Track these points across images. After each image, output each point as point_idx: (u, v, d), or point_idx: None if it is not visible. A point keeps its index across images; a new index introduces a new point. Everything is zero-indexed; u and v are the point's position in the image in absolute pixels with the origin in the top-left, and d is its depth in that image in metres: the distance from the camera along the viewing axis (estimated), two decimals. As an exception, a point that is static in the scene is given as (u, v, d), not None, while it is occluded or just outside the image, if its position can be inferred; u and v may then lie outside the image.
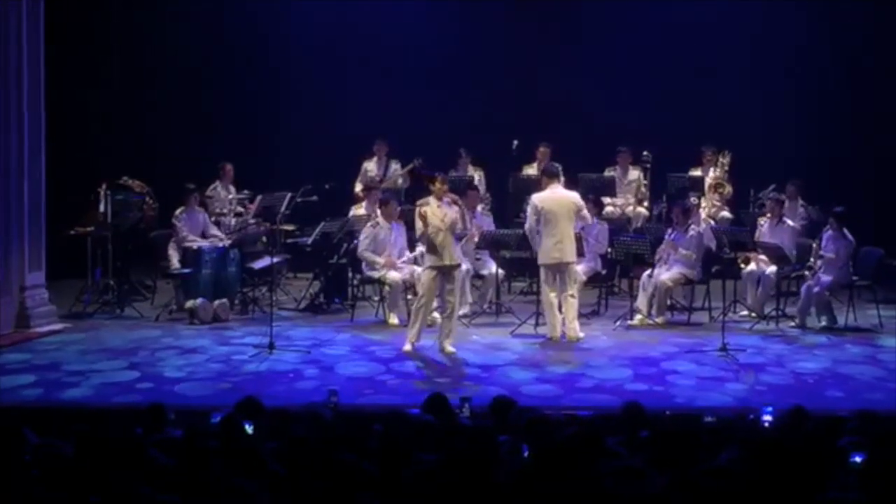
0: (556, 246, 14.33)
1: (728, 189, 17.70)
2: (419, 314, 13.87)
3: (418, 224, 13.73)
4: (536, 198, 14.61)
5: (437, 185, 13.86)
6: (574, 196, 14.71)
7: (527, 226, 14.84)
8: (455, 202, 13.84)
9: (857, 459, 7.23)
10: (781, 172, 17.32)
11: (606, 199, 17.71)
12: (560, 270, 14.43)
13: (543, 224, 14.39)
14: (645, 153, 17.88)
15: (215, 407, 10.14)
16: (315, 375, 12.90)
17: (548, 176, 14.81)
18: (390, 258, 15.32)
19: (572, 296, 14.44)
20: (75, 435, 7.17)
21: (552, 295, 14.40)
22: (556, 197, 14.50)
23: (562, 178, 14.85)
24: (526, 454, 7.44)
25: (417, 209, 13.83)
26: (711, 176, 17.71)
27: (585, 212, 14.92)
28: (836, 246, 15.12)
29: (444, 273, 13.77)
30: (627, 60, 19.41)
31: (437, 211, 13.71)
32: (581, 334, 14.46)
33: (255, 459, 7.10)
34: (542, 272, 14.50)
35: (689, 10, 19.09)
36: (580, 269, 15.16)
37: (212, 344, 14.26)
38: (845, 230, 15.17)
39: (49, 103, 15.40)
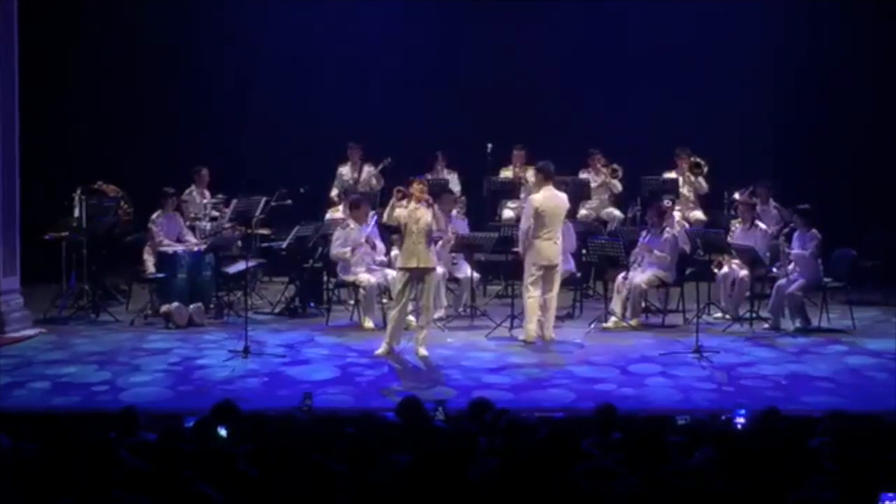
0: (551, 247, 14.35)
1: (705, 169, 17.75)
2: (394, 318, 13.90)
3: (392, 207, 13.82)
4: (535, 199, 14.55)
5: (415, 186, 13.89)
6: (565, 198, 14.74)
7: (523, 226, 14.71)
8: (429, 204, 13.85)
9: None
10: (755, 174, 17.36)
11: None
12: (550, 271, 14.46)
13: (539, 225, 14.36)
14: (615, 166, 18.00)
15: (189, 411, 10.16)
16: (290, 379, 12.90)
17: (545, 176, 14.71)
18: (361, 246, 15.31)
19: (553, 297, 14.50)
20: (45, 438, 7.18)
21: (536, 295, 14.42)
22: (553, 199, 14.51)
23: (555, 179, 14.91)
24: (501, 456, 7.47)
25: (394, 201, 13.87)
26: (685, 166, 17.80)
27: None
28: (802, 242, 15.20)
29: (416, 275, 13.80)
30: (601, 63, 19.44)
31: (413, 213, 13.74)
32: (553, 335, 14.52)
33: (227, 462, 7.10)
34: (533, 272, 14.47)
35: (664, 12, 19.14)
36: (554, 271, 15.21)
37: (187, 348, 14.23)
38: (812, 228, 15.22)
39: (23, 108, 15.35)
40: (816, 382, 12.79)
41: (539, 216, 14.39)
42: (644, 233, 15.77)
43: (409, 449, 7.46)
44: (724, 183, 17.61)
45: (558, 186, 14.99)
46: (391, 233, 15.10)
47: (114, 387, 12.59)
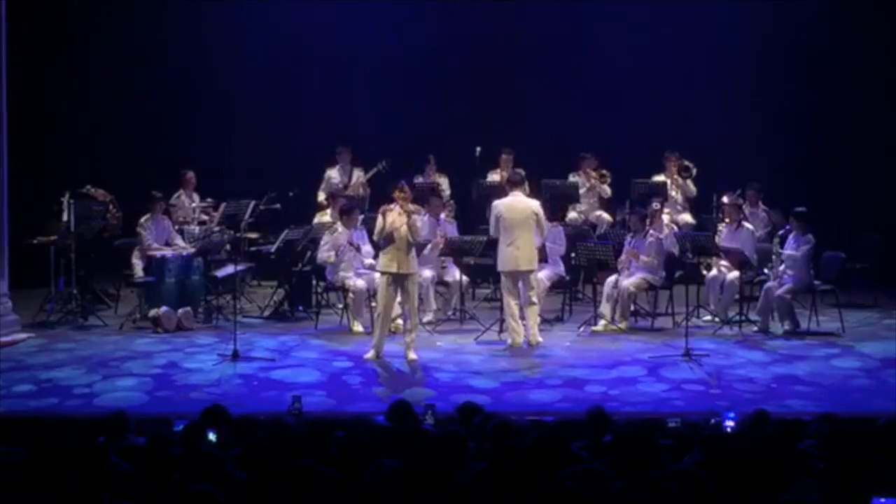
0: (513, 254, 14.37)
1: (694, 172, 17.77)
2: (379, 323, 13.91)
3: (378, 222, 13.78)
4: (497, 204, 14.65)
5: (396, 193, 13.87)
6: (534, 204, 14.73)
7: (490, 233, 14.92)
8: (407, 212, 13.81)
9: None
10: (744, 177, 17.37)
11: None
12: (519, 278, 14.47)
13: (502, 231, 14.43)
14: (604, 171, 18.02)
15: (178, 415, 10.14)
16: (279, 383, 12.89)
17: (511, 183, 14.89)
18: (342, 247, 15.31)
19: (533, 302, 14.49)
20: (33, 442, 7.16)
21: (513, 302, 14.43)
22: (516, 204, 14.54)
23: (525, 186, 14.93)
24: (490, 459, 7.46)
25: (381, 211, 13.85)
26: (673, 169, 17.81)
27: (544, 221, 14.88)
28: (797, 244, 15.18)
29: (396, 280, 13.79)
30: (590, 66, 19.41)
31: (397, 218, 13.72)
32: (540, 339, 14.52)
33: (216, 467, 7.09)
34: (503, 279, 14.55)
35: (649, 14, 19.13)
36: (544, 276, 15.20)
37: (175, 352, 14.20)
38: (808, 233, 15.22)
39: (11, 111, 15.31)
40: (805, 385, 12.81)
41: (499, 222, 14.46)
42: (629, 238, 15.79)
43: (399, 453, 7.45)
44: (713, 186, 17.60)
45: (533, 192, 15.08)
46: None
47: (102, 391, 12.58)
